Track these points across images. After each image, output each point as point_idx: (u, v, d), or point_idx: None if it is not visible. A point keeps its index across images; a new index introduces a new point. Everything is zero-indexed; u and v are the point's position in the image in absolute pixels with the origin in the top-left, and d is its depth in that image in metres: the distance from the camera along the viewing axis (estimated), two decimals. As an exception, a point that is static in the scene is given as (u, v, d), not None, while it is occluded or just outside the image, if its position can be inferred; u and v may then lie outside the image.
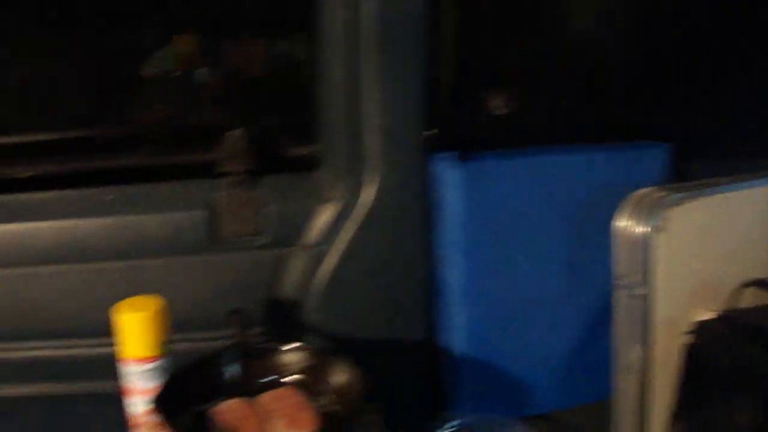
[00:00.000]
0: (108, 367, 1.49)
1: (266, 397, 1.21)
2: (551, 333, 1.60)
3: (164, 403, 1.12)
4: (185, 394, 1.20)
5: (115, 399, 1.47)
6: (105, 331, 1.47)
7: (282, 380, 1.28)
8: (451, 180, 1.51)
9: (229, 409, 1.18)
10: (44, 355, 1.61)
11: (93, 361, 1.59)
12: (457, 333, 1.55)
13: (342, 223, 1.54)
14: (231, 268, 1.56)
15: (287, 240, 1.56)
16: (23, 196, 1.57)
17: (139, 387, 1.23)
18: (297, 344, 1.28)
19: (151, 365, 1.23)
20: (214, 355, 1.27)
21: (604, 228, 1.47)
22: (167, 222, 1.54)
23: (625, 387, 1.42)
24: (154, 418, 1.21)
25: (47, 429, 1.66)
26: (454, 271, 1.53)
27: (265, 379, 1.28)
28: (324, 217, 1.56)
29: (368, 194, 1.51)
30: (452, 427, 1.53)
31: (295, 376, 1.29)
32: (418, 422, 1.58)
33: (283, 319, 1.56)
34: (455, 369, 1.57)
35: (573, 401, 1.67)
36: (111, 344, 1.48)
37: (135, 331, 1.20)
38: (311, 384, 1.26)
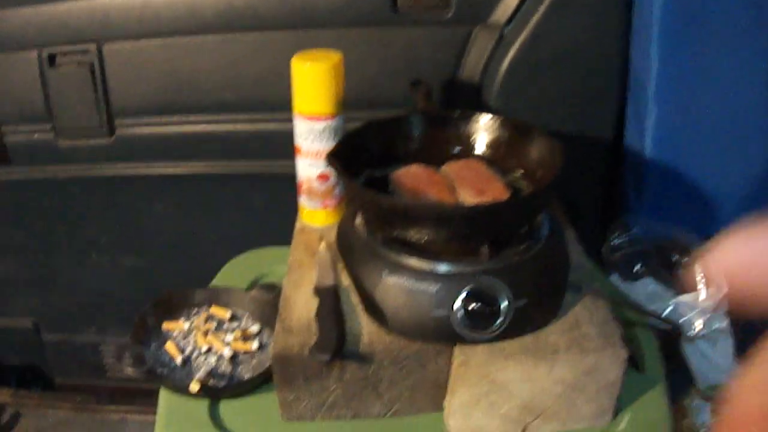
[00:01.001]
0: (272, 145, 1.48)
1: (452, 166, 1.11)
2: (747, 149, 1.44)
3: (340, 159, 1.01)
4: (363, 155, 1.11)
5: (278, 179, 1.44)
6: (272, 105, 1.45)
7: (469, 152, 1.16)
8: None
9: (410, 173, 1.09)
10: (206, 130, 1.57)
11: (256, 138, 1.55)
12: (646, 134, 1.42)
13: (531, 1, 1.40)
14: (411, 43, 1.45)
15: (472, 17, 1.44)
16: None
17: (312, 147, 1.14)
18: (488, 115, 1.14)
19: (325, 123, 1.13)
20: (396, 119, 1.16)
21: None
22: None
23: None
24: (322, 185, 1.12)
25: (209, 204, 1.64)
26: (646, 65, 1.38)
27: (452, 150, 1.17)
28: (512, -6, 1.39)
29: (562, -29, 1.34)
30: (628, 234, 1.41)
31: (483, 150, 1.16)
32: (597, 223, 1.50)
33: (464, 101, 1.45)
34: (639, 174, 1.45)
35: (760, 227, 1.50)
36: (276, 120, 1.41)
37: (311, 84, 1.11)
38: (501, 158, 1.14)
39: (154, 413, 1.05)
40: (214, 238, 1.68)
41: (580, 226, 1.25)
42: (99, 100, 1.54)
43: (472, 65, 1.45)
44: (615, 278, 1.38)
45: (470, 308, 0.94)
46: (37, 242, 1.75)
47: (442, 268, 0.96)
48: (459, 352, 0.96)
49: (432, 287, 0.95)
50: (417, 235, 0.96)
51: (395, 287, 0.97)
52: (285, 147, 1.35)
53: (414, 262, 0.97)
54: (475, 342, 0.96)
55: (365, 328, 1.00)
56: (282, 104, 1.34)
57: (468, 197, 1.03)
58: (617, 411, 1.02)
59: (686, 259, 1.36)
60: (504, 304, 0.95)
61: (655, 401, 1.05)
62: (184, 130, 1.56)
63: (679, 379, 1.39)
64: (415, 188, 1.04)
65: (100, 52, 1.50)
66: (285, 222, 1.29)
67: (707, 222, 1.47)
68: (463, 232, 0.95)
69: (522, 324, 0.97)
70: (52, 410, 1.92)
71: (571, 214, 1.27)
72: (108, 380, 1.95)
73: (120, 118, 1.56)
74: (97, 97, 1.54)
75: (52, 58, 1.52)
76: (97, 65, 1.51)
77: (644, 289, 1.36)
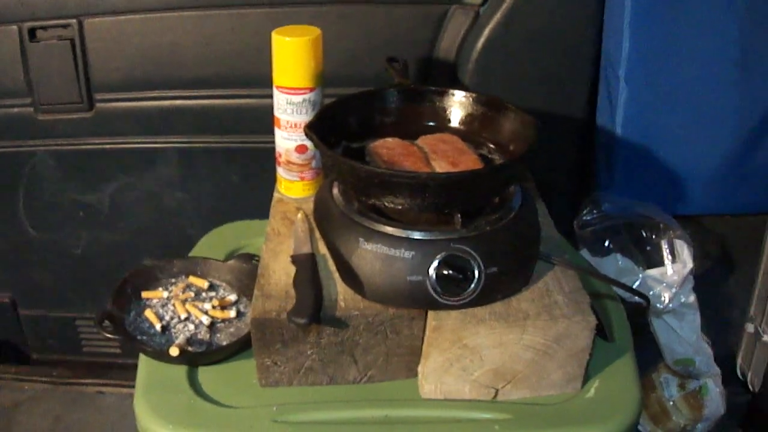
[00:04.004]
0: (249, 119, 1.52)
1: (427, 140, 1.14)
2: (715, 130, 1.48)
3: (317, 131, 1.04)
4: (340, 128, 1.14)
5: (255, 154, 1.50)
6: (249, 81, 1.48)
7: (443, 126, 1.20)
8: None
9: (386, 145, 1.11)
10: (185, 105, 1.59)
11: (233, 113, 1.57)
12: (616, 113, 1.46)
13: (507, -18, 1.40)
14: (388, 21, 1.49)
15: (450, -4, 1.44)
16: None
17: (290, 119, 1.17)
18: (462, 91, 1.18)
19: (304, 96, 1.16)
20: (372, 92, 1.20)
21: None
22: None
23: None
24: (300, 157, 1.17)
25: (186, 179, 1.66)
26: (618, 45, 1.42)
27: (426, 124, 1.21)
28: (489, -26, 1.42)
29: (536, -47, 1.36)
30: (599, 211, 1.45)
31: (457, 124, 1.21)
32: (568, 200, 1.54)
33: (439, 79, 1.49)
34: (610, 152, 1.48)
35: (726, 209, 1.56)
36: (253, 96, 1.48)
37: (290, 58, 1.14)
38: (474, 132, 1.18)
39: (130, 386, 1.06)
40: (192, 213, 1.70)
41: (552, 203, 1.27)
42: (79, 75, 1.55)
43: (447, 44, 1.49)
44: (585, 253, 1.41)
45: (443, 274, 0.96)
46: (14, 216, 1.75)
47: (417, 235, 0.99)
48: (432, 317, 0.99)
49: (407, 253, 0.98)
50: (392, 203, 0.99)
51: (371, 254, 1.00)
52: (261, 122, 1.37)
53: (389, 229, 1.00)
54: (448, 308, 0.99)
55: (341, 295, 1.03)
56: (259, 80, 1.36)
57: (442, 168, 1.06)
58: (586, 378, 1.05)
59: (655, 235, 1.39)
60: (476, 271, 0.98)
61: (623, 369, 1.09)
62: (163, 105, 1.57)
63: (648, 354, 1.43)
64: (390, 159, 1.07)
65: (80, 27, 1.51)
66: (261, 196, 1.32)
67: (676, 199, 1.51)
68: (437, 201, 0.98)
69: (493, 291, 1.00)
70: (28, 384, 1.92)
71: (543, 190, 1.29)
72: (84, 355, 1.95)
73: (99, 93, 1.58)
74: (78, 71, 1.55)
75: (32, 33, 1.52)
76: (78, 40, 1.52)
77: (613, 264, 1.40)
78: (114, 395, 1.87)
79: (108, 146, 1.63)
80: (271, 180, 1.29)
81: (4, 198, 1.72)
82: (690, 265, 1.37)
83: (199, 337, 1.12)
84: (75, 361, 1.95)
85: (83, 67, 1.54)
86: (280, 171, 1.24)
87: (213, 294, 1.22)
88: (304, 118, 1.17)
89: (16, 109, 1.59)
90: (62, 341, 1.93)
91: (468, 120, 1.20)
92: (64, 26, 1.51)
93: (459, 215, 1.00)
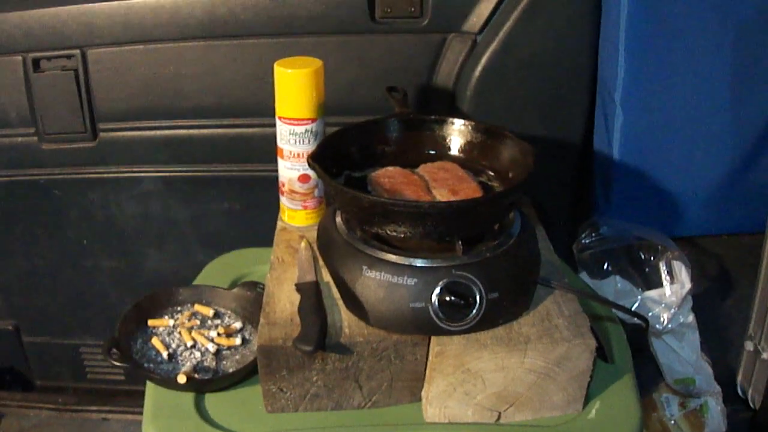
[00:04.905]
0: (252, 149, 1.53)
1: (427, 168, 1.17)
2: (710, 152, 1.50)
3: (320, 161, 1.06)
4: (342, 157, 1.17)
5: (257, 182, 1.51)
6: (251, 110, 1.50)
7: (443, 154, 1.23)
8: (618, -26, 1.37)
9: (387, 174, 1.14)
10: (188, 134, 1.60)
11: (236, 142, 1.59)
12: (613, 138, 1.48)
13: (503, 11, 1.45)
14: (388, 50, 1.50)
15: (447, 25, 1.49)
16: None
17: (293, 150, 1.19)
18: (461, 119, 1.20)
19: (306, 127, 1.19)
20: (373, 122, 1.22)
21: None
22: (324, -2, 1.45)
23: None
24: (303, 186, 1.18)
25: (189, 207, 1.67)
26: (613, 71, 1.43)
27: (427, 152, 1.24)
28: (485, 3, 1.47)
29: (531, -18, 1.39)
30: (597, 234, 1.46)
31: (457, 152, 1.23)
32: (567, 224, 1.56)
33: (438, 106, 1.51)
34: (607, 176, 1.50)
35: (723, 229, 1.58)
36: (255, 125, 1.49)
37: (293, 89, 1.16)
38: (474, 160, 1.21)
39: (135, 413, 1.07)
40: (196, 241, 1.72)
41: (550, 227, 1.29)
42: (83, 105, 1.57)
43: (446, 71, 1.51)
44: (584, 276, 1.42)
45: (446, 301, 0.98)
46: (18, 245, 1.76)
47: (419, 262, 1.01)
48: (435, 343, 1.01)
49: (410, 281, 1.00)
50: (395, 231, 1.01)
51: (374, 281, 1.02)
52: (264, 151, 1.39)
53: (392, 257, 1.02)
54: (450, 333, 1.01)
55: (346, 322, 1.05)
56: (261, 110, 1.38)
57: (443, 196, 1.08)
58: (587, 400, 1.07)
59: (653, 257, 1.41)
60: (477, 297, 1.00)
61: (624, 390, 1.10)
62: (166, 135, 1.59)
63: (649, 374, 1.44)
64: (392, 188, 1.09)
65: (84, 57, 1.53)
66: (264, 224, 1.33)
67: (673, 221, 1.53)
68: (438, 229, 1.00)
69: (495, 316, 1.02)
70: (33, 411, 1.93)
71: (542, 215, 1.31)
72: (88, 382, 1.96)
73: (103, 123, 1.59)
74: (81, 101, 1.56)
75: (36, 63, 1.54)
76: (81, 70, 1.54)
77: (612, 287, 1.41)
78: (119, 422, 1.87)
79: (111, 175, 1.64)
80: (275, 208, 1.31)
81: (9, 226, 1.73)
82: (688, 285, 1.38)
83: (206, 364, 1.14)
84: (79, 388, 1.96)
85: (87, 97, 1.56)
86: (284, 200, 1.25)
87: (218, 322, 1.23)
88: (307, 148, 1.19)
89: (20, 139, 1.61)
90: (66, 368, 1.94)
91: (467, 148, 1.22)
92: (68, 57, 1.53)
93: (460, 242, 1.02)
